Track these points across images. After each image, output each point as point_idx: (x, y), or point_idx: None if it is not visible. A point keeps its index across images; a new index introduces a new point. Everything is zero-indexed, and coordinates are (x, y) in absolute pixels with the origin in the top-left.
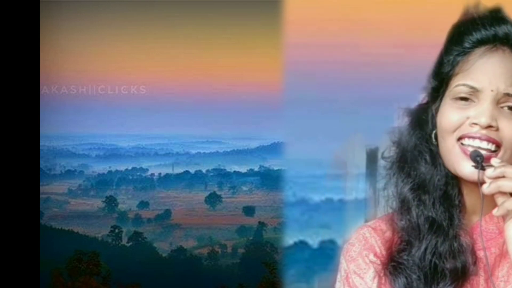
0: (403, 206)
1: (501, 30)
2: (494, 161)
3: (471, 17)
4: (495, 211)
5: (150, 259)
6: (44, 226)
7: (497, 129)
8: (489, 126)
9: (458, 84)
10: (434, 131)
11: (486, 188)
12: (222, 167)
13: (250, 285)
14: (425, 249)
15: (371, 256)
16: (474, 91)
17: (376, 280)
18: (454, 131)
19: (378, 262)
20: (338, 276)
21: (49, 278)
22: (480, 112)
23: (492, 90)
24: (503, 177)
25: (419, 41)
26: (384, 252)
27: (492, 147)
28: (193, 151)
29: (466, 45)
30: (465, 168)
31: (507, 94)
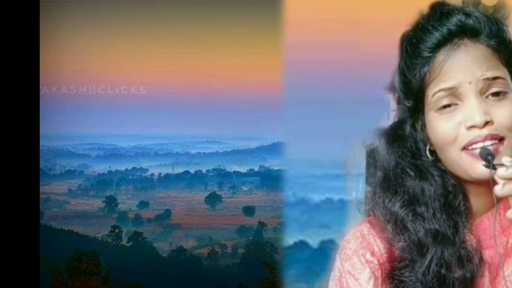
0: (398, 226)
1: (452, 23)
2: (506, 159)
3: (417, 24)
4: (509, 213)
5: (150, 259)
6: (44, 226)
7: (493, 123)
8: (486, 123)
9: (435, 92)
10: (427, 147)
11: (499, 190)
12: (222, 167)
13: (250, 285)
14: (430, 261)
15: (368, 255)
16: (453, 91)
17: (371, 282)
18: (454, 141)
19: (375, 262)
20: (332, 275)
21: (49, 278)
22: (470, 111)
23: (470, 82)
24: None
25: None
26: (383, 252)
27: (496, 142)
28: (193, 151)
29: (425, 54)
30: (479, 170)
31: (487, 79)
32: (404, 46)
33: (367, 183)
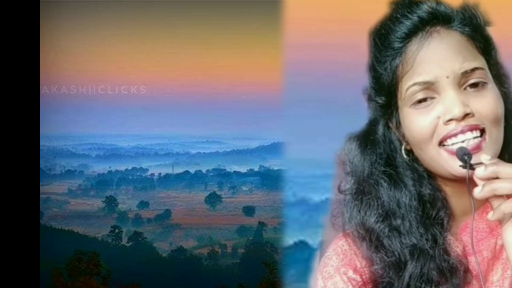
0: (372, 243)
1: (423, 11)
2: (484, 157)
3: (386, 15)
4: (490, 215)
5: (150, 259)
6: (44, 226)
7: (473, 114)
8: (466, 115)
9: (409, 86)
10: (403, 146)
11: (479, 193)
12: (222, 167)
13: (250, 285)
14: (409, 278)
15: (350, 273)
16: (429, 85)
17: None
18: (432, 137)
19: (358, 279)
20: None
21: (49, 278)
22: (449, 104)
23: (447, 77)
24: (496, 178)
25: None
26: (365, 268)
27: (477, 133)
28: (193, 151)
29: (396, 45)
30: (458, 168)
31: (465, 72)
32: (373, 39)
33: (340, 191)
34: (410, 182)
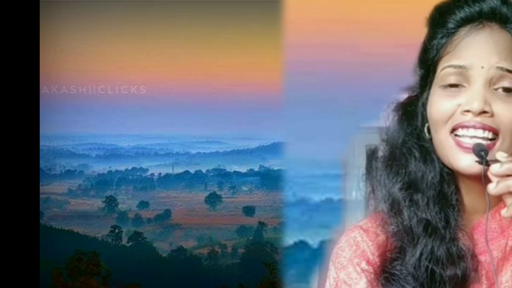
0: (393, 208)
1: (486, 5)
2: (500, 155)
3: None
4: (504, 212)
5: (150, 259)
6: (44, 226)
7: (492, 115)
8: (483, 112)
9: (444, 67)
10: (426, 125)
11: (493, 189)
12: (222, 167)
13: (250, 285)
14: (420, 254)
15: (363, 264)
16: (463, 70)
17: None
18: (446, 122)
19: (371, 270)
20: (327, 284)
21: (49, 278)
22: (472, 96)
23: (482, 67)
24: (511, 175)
25: (419, 41)
26: (377, 260)
27: (489, 135)
28: (193, 151)
29: (450, 25)
30: (461, 161)
31: (501, 69)
32: (433, 13)
33: (375, 159)
34: (436, 157)
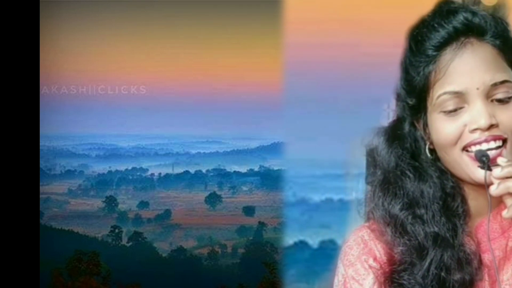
0: (397, 229)
1: (458, 21)
2: (501, 160)
3: (423, 21)
4: (505, 213)
5: (150, 259)
6: (44, 226)
7: (498, 125)
8: (491, 126)
9: (440, 95)
10: (427, 146)
11: (494, 190)
12: (222, 167)
13: (250, 285)
14: (429, 264)
15: (371, 261)
16: (459, 95)
17: (376, 287)
18: (456, 143)
19: (378, 267)
20: (336, 281)
21: (49, 278)
22: (476, 115)
23: (478, 88)
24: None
25: None
26: (384, 257)
27: (499, 143)
28: (193, 151)
29: (430, 52)
30: (478, 173)
31: (495, 84)
32: (409, 42)
33: (367, 182)
34: (434, 174)
